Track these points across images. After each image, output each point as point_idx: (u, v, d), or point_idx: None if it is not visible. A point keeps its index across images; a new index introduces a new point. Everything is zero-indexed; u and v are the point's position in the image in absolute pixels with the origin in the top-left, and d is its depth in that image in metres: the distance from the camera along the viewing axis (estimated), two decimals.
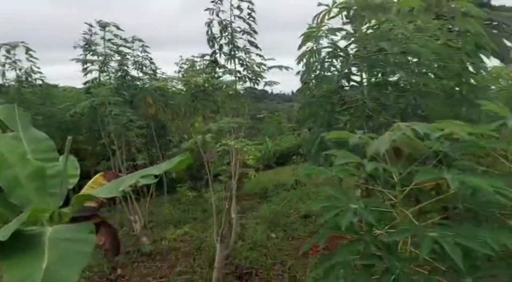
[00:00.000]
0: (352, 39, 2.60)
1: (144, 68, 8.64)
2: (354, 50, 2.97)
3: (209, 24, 4.22)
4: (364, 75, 2.77)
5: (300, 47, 2.60)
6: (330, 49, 2.60)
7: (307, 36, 2.57)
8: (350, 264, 1.44)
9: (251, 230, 6.87)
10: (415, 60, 3.08)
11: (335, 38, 2.71)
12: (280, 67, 3.88)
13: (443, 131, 1.56)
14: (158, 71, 8.85)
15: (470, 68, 3.27)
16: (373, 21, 2.68)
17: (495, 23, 10.64)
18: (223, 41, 4.32)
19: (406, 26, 2.98)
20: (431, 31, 2.89)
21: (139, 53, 8.49)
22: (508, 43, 11.19)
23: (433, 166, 1.73)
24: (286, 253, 5.85)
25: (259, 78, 4.43)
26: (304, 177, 8.62)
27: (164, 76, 8.86)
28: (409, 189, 1.77)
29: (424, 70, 3.22)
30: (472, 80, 3.29)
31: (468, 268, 1.37)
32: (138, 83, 8.70)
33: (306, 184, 9.90)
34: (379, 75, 2.83)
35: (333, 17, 3.16)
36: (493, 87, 5.84)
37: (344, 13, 3.12)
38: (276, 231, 6.90)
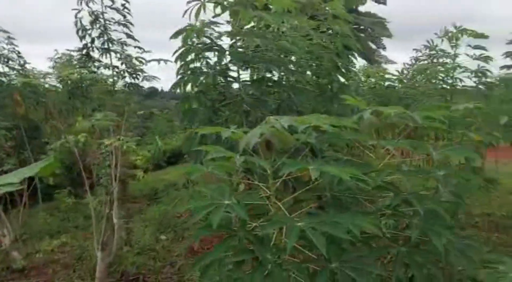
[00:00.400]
0: (226, 35, 2.58)
1: (10, 62, 7.65)
2: (232, 46, 2.98)
3: (76, 15, 3.85)
4: (241, 71, 2.79)
5: (175, 36, 2.48)
6: (205, 46, 2.54)
7: (185, 32, 2.47)
8: (224, 261, 1.41)
9: (139, 233, 6.57)
10: (293, 58, 3.22)
11: (214, 33, 2.67)
12: (159, 60, 3.72)
13: (310, 124, 1.61)
14: (27, 66, 7.92)
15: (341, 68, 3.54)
16: (250, 19, 2.71)
17: (362, 27, 11.86)
18: (95, 33, 3.99)
19: (282, 24, 3.10)
20: (305, 31, 3.04)
21: (5, 46, 7.49)
22: (373, 46, 12.55)
23: (303, 157, 1.79)
24: (176, 254, 5.72)
25: (139, 73, 4.19)
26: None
27: (35, 71, 7.96)
28: (282, 180, 1.82)
29: (300, 69, 3.39)
30: (342, 79, 3.57)
31: (334, 254, 1.44)
32: (4, 79, 7.69)
33: (197, 182, 9.81)
34: (258, 71, 2.88)
35: (218, 15, 3.13)
36: (361, 85, 6.49)
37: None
38: (166, 233, 6.71)
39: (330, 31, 3.39)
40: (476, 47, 4.55)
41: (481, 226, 5.92)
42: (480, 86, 4.70)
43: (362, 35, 11.34)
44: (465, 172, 2.90)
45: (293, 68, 3.22)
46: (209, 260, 1.47)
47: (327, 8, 3.33)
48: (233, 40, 3.03)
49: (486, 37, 4.48)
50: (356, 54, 3.83)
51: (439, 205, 1.61)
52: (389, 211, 1.79)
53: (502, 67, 4.43)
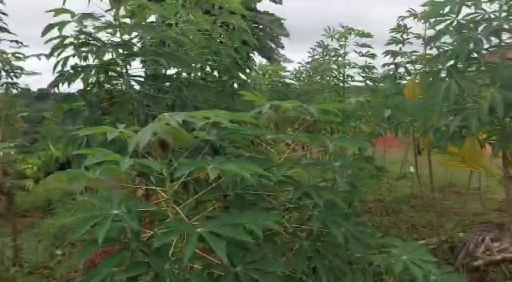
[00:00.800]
0: (104, 27, 2.34)
1: None
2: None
3: None
4: (136, 67, 2.60)
5: (44, 33, 2.18)
6: (81, 38, 2.27)
7: (56, 23, 2.17)
8: (116, 277, 1.25)
9: (30, 251, 5.90)
10: (193, 54, 3.10)
11: (96, 24, 2.41)
12: (38, 56, 3.29)
13: (209, 120, 1.53)
14: None
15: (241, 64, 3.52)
16: (134, 10, 2.51)
17: (261, 26, 12.16)
18: None
19: (179, 19, 2.97)
20: (201, 25, 2.95)
21: None
22: (273, 45, 12.93)
23: (204, 156, 1.70)
24: (74, 269, 5.24)
25: (17, 71, 3.68)
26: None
27: None
28: (181, 182, 1.72)
29: (200, 64, 3.29)
30: (242, 75, 3.55)
31: (237, 256, 1.38)
32: None
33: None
34: (154, 67, 2.71)
35: (109, 10, 2.87)
36: (262, 82, 6.61)
37: None
38: (63, 247, 6.12)
39: (228, 27, 3.34)
40: (363, 45, 4.95)
41: (374, 211, 6.44)
42: (368, 82, 5.10)
43: (261, 33, 11.62)
44: (359, 162, 3.09)
45: (193, 65, 3.10)
46: (103, 275, 1.30)
47: (223, 4, 3.27)
48: (136, 36, 2.82)
49: (370, 36, 4.89)
50: (255, 51, 3.85)
51: (337, 195, 1.64)
52: (291, 205, 1.80)
53: (383, 65, 4.87)
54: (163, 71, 2.86)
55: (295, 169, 1.73)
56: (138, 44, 3.19)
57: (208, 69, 3.32)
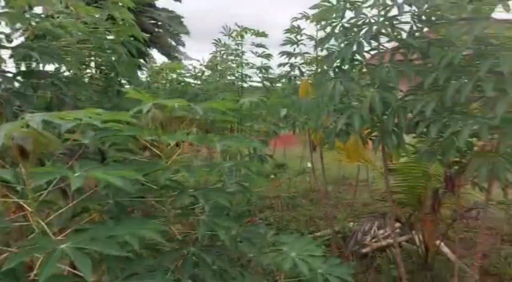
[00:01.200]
0: None
1: None
2: None
3: None
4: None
5: None
6: None
7: None
8: None
9: None
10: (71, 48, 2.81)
11: None
12: None
13: (81, 120, 1.36)
14: None
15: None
16: None
17: (160, 23, 11.80)
18: None
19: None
20: (81, 17, 2.69)
21: None
22: (173, 43, 12.64)
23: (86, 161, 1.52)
24: None
25: None
26: None
27: None
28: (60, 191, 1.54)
29: (81, 59, 3.01)
30: (133, 73, 3.33)
31: (115, 270, 1.25)
32: None
33: None
34: (25, 61, 2.40)
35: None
36: (163, 81, 6.37)
37: None
38: None
39: (114, 20, 3.10)
40: (258, 45, 5.01)
41: (276, 207, 6.64)
42: (265, 82, 5.19)
43: (161, 30, 11.25)
44: (251, 161, 3.11)
45: (75, 61, 2.82)
46: None
47: None
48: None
49: (265, 35, 4.98)
50: (154, 48, 3.65)
51: (225, 197, 1.59)
52: (179, 211, 1.71)
53: (279, 65, 4.98)
54: (41, 66, 2.55)
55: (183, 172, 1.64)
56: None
57: (93, 65, 3.06)
